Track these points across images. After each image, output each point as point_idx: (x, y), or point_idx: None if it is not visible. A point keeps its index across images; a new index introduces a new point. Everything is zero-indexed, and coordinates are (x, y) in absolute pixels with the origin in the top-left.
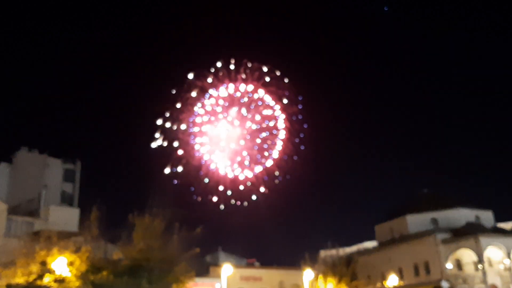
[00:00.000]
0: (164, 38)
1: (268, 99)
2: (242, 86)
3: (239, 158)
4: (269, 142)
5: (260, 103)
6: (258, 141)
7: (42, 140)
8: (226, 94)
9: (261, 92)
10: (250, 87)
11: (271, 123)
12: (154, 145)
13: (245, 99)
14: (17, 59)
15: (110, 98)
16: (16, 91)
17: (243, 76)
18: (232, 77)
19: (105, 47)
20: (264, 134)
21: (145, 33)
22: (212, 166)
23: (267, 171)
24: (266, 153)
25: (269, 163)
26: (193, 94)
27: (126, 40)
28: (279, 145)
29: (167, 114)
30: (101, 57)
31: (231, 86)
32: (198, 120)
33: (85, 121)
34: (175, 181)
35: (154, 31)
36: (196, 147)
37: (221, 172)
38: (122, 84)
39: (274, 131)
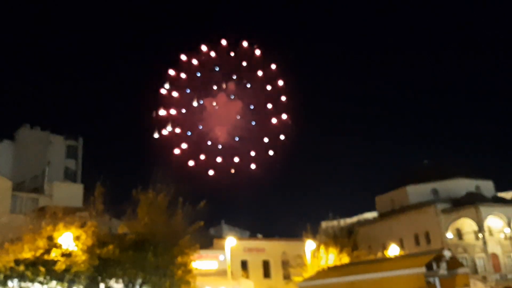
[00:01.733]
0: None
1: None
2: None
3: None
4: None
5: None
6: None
7: (44, 117)
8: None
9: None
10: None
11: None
12: (156, 135)
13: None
14: (18, 36)
15: (112, 74)
16: (17, 69)
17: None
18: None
19: (107, 23)
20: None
21: (148, 13)
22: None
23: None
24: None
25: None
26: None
27: (128, 18)
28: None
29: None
30: (102, 34)
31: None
32: (193, 93)
33: (86, 97)
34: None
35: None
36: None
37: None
38: (124, 60)
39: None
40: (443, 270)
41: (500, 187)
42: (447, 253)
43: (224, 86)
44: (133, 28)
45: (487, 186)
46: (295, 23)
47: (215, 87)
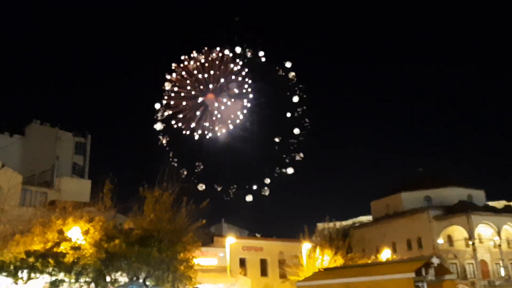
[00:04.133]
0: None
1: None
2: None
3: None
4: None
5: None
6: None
7: (54, 113)
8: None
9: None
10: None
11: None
12: (157, 127)
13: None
14: (29, 32)
15: (121, 71)
16: (28, 65)
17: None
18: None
19: (117, 18)
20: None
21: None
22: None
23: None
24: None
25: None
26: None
27: (138, 14)
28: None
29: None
30: (111, 30)
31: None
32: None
33: (95, 95)
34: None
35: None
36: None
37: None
38: (132, 57)
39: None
40: (431, 276)
41: (491, 197)
42: (435, 260)
43: (226, 86)
44: (140, 26)
45: (478, 195)
46: (294, 30)
47: (218, 87)
